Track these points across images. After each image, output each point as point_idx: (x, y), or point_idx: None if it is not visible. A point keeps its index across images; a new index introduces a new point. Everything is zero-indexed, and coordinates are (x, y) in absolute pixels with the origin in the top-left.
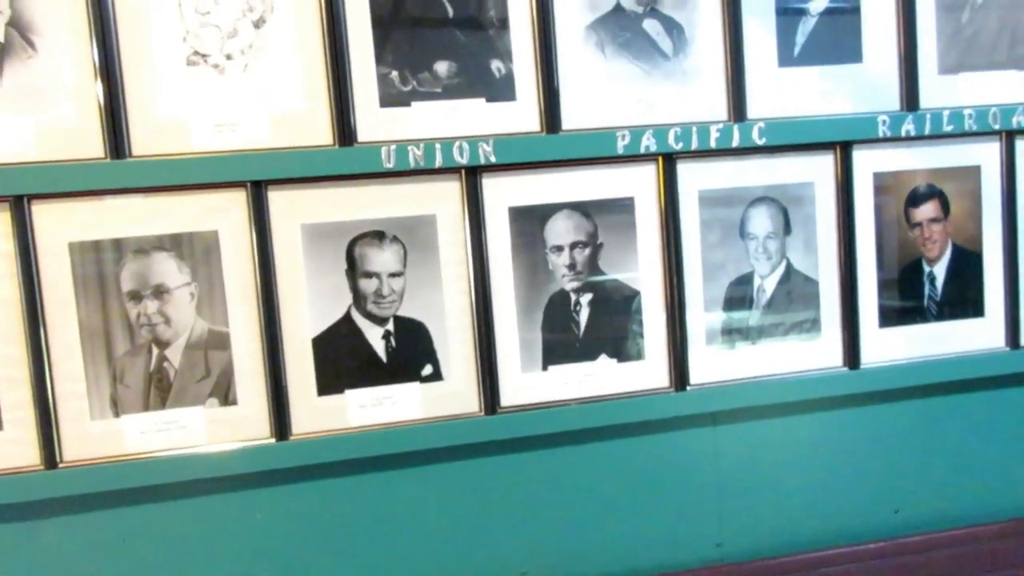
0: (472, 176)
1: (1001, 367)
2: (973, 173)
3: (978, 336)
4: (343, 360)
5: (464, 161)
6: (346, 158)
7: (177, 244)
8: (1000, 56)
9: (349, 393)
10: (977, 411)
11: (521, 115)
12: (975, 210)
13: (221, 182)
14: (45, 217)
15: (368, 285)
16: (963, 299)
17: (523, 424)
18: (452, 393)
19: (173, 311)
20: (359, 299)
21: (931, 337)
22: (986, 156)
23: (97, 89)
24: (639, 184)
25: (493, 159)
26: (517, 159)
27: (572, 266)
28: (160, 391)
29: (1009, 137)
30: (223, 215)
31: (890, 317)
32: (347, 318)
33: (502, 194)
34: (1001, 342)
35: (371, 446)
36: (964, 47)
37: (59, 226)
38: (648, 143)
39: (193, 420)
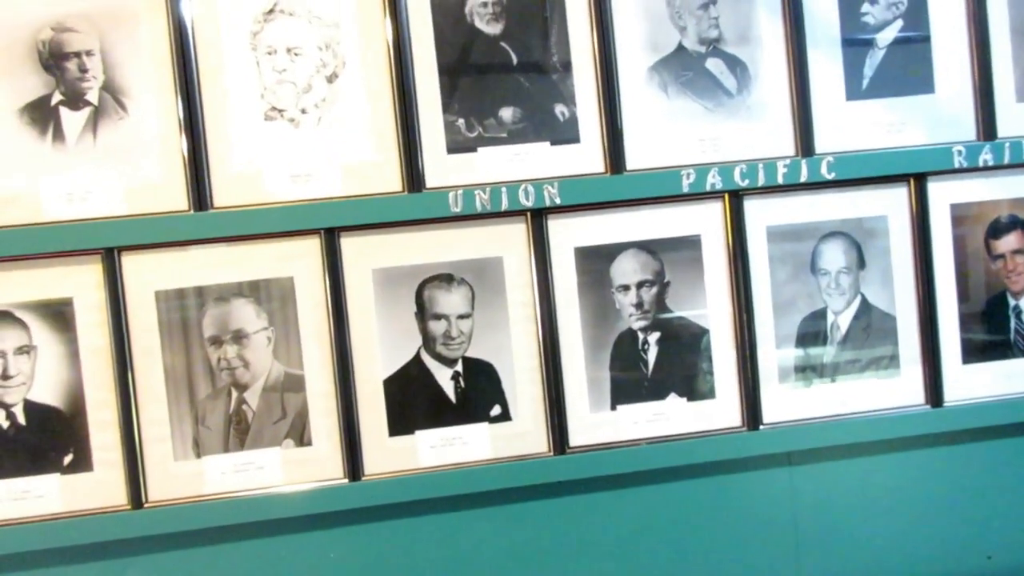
0: (538, 218)
1: None
2: None
3: None
4: (413, 401)
5: (530, 203)
6: (414, 204)
7: (255, 290)
8: None
9: (419, 434)
10: None
11: (585, 157)
12: None
13: (296, 230)
14: (133, 268)
15: (437, 327)
16: None
17: (592, 464)
18: (520, 433)
19: (251, 355)
20: (428, 341)
21: (1019, 373)
22: None
23: (181, 144)
24: (706, 222)
25: (558, 200)
26: (582, 200)
27: (639, 305)
28: (239, 432)
29: None
30: (298, 262)
31: (974, 352)
32: (417, 360)
33: (568, 235)
34: None
35: (441, 487)
36: None
37: (146, 276)
38: (714, 181)
39: (270, 461)
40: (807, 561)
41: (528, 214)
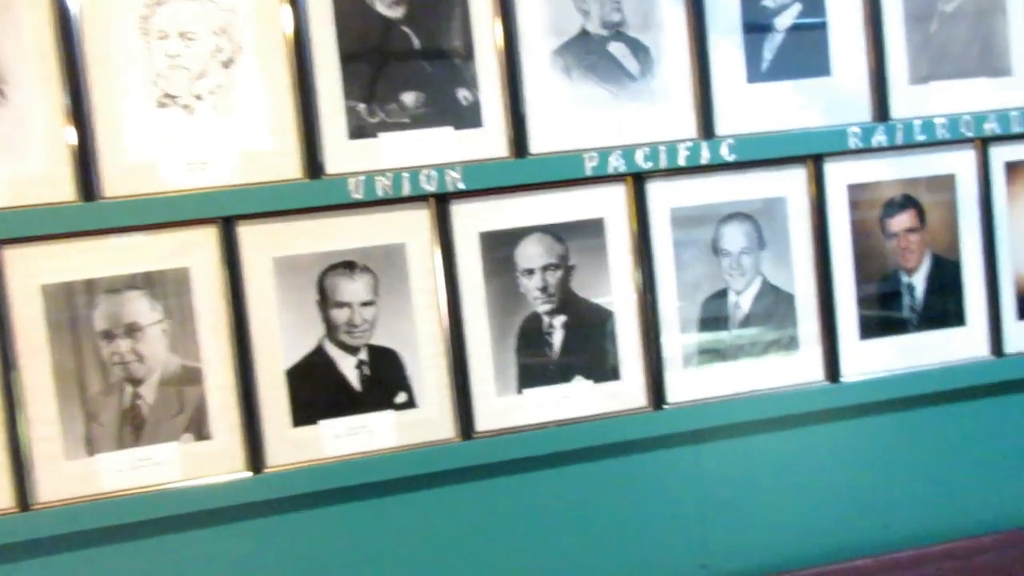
0: (441, 203)
1: (985, 376)
2: (948, 182)
3: (960, 345)
4: (317, 391)
5: (432, 189)
6: (314, 191)
7: (149, 282)
8: (970, 64)
9: (323, 424)
10: (962, 421)
11: (489, 141)
12: (951, 219)
13: (192, 219)
14: (17, 261)
15: (340, 315)
16: (944, 308)
17: (499, 449)
18: (426, 420)
19: (146, 349)
20: (331, 330)
21: (913, 348)
22: (960, 164)
23: (68, 134)
24: (609, 205)
25: (461, 185)
26: (485, 185)
27: (544, 289)
28: (134, 428)
29: (983, 144)
30: (194, 252)
31: (871, 329)
32: (320, 349)
33: (472, 220)
34: (984, 351)
35: (346, 476)
36: (934, 56)
37: (32, 269)
38: (616, 164)
39: (168, 456)
40: (713, 537)
41: (431, 199)
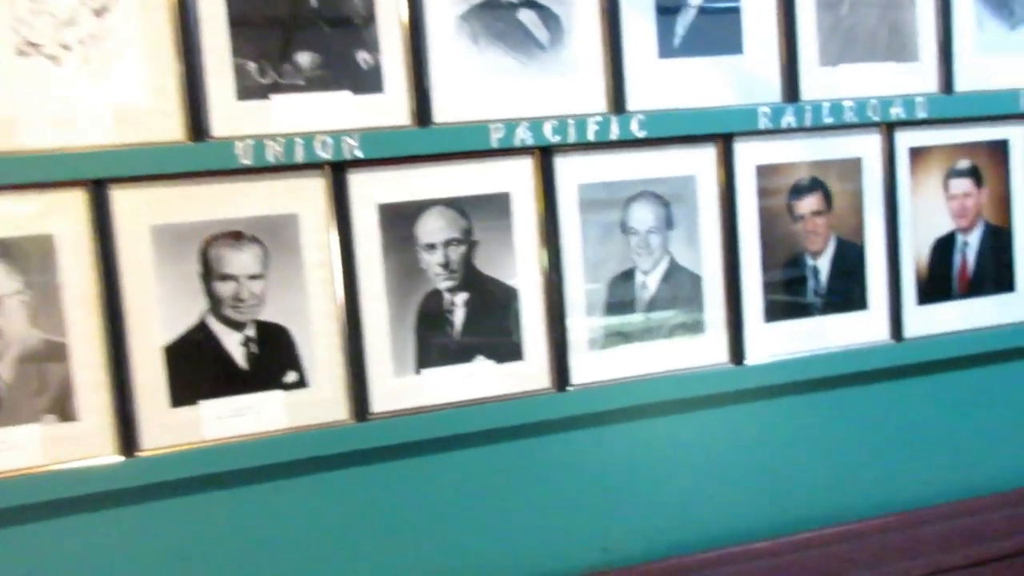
0: (338, 172)
1: (885, 360)
2: (854, 165)
3: (862, 329)
4: (198, 369)
5: (328, 156)
6: (197, 154)
7: (7, 250)
8: (879, 48)
9: (205, 404)
10: (862, 405)
11: (389, 108)
12: (857, 203)
13: (56, 181)
14: None
15: (225, 289)
16: (847, 292)
17: (395, 431)
18: (318, 400)
19: (3, 322)
20: (215, 304)
21: (816, 331)
22: (867, 148)
23: None
24: (515, 179)
25: (359, 154)
26: (385, 154)
27: (446, 264)
28: None
29: (888, 129)
30: (59, 217)
31: (775, 312)
32: (202, 324)
33: (370, 190)
34: (885, 335)
35: (229, 460)
36: (844, 39)
37: None
38: (523, 136)
39: (27, 439)
40: (615, 521)
41: (326, 168)
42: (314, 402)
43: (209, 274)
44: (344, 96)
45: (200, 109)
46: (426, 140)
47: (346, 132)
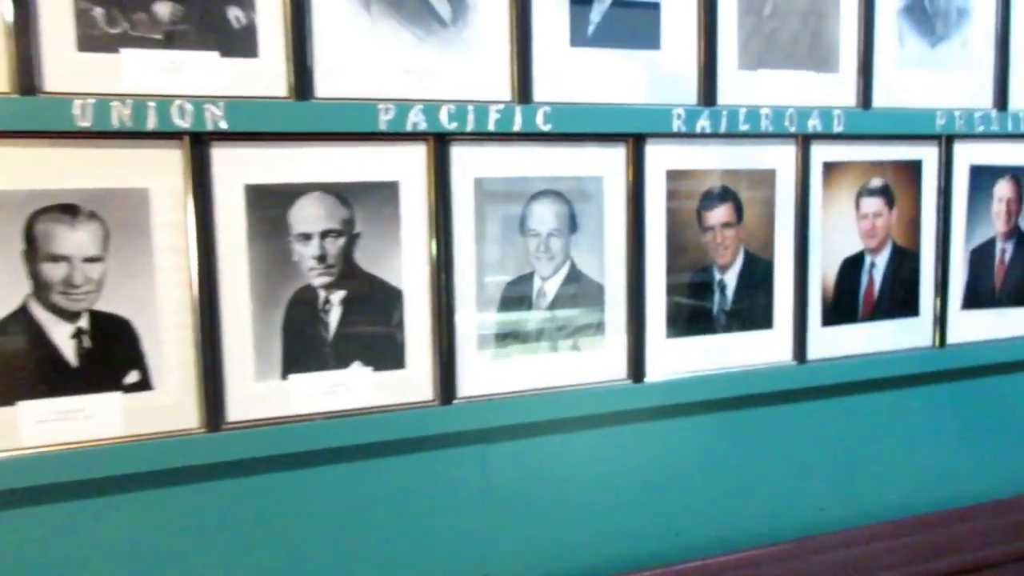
0: (199, 144)
1: (787, 382)
2: (768, 177)
3: (766, 349)
4: (16, 364)
5: (186, 126)
6: (24, 110)
7: None
8: (800, 56)
9: (23, 405)
10: (762, 428)
11: (264, 75)
12: (769, 216)
13: None
14: None
15: (54, 271)
16: (752, 310)
17: (254, 443)
18: (164, 406)
19: None
20: (41, 288)
21: (719, 349)
22: (781, 160)
23: None
24: (405, 167)
25: (224, 125)
26: (256, 127)
27: (322, 258)
28: None
29: (804, 141)
30: None
31: (678, 327)
32: (24, 311)
33: (237, 169)
34: (788, 356)
35: (53, 471)
36: (765, 43)
37: None
38: (416, 120)
39: None
40: (499, 544)
41: (185, 138)
42: (159, 407)
43: (35, 253)
44: (210, 57)
45: (30, 58)
46: (305, 116)
47: (210, 99)
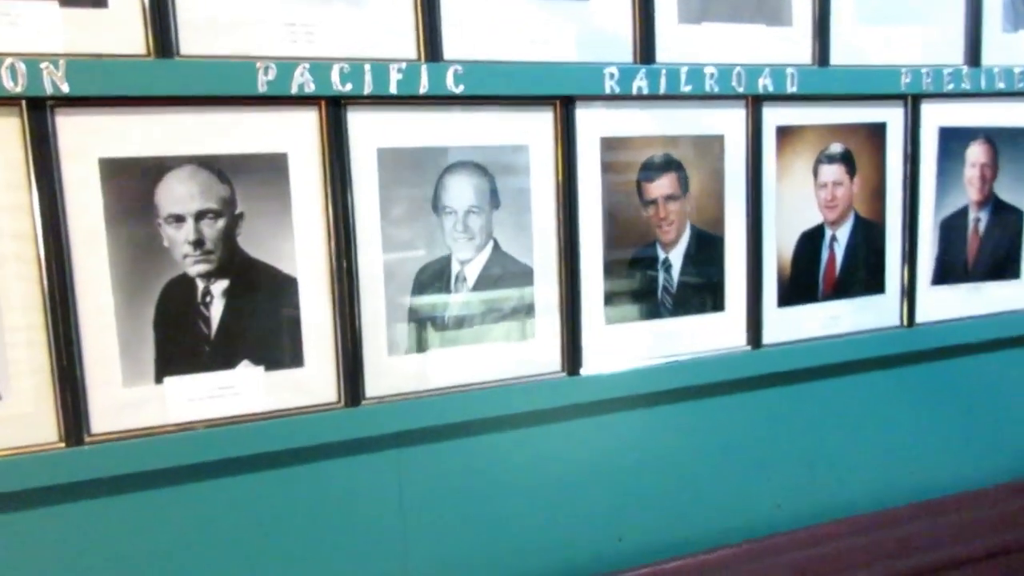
0: (38, 110)
1: (740, 369)
2: (715, 144)
3: (717, 333)
4: None
5: (19, 89)
6: None
7: None
8: (748, 7)
9: None
10: (713, 420)
11: (117, 29)
12: (717, 187)
13: None
14: None
15: None
16: (701, 291)
17: (124, 457)
18: (14, 417)
19: None
20: None
21: (665, 335)
22: (730, 124)
23: None
24: (294, 136)
25: (66, 88)
26: (106, 91)
27: (198, 243)
28: None
29: (755, 103)
30: None
31: (618, 312)
32: None
33: (88, 139)
34: (741, 340)
35: None
36: None
37: None
38: (302, 81)
39: None
40: (415, 554)
41: (22, 104)
42: (9, 418)
43: None
44: (47, 7)
45: None
46: (166, 77)
47: (47, 56)
